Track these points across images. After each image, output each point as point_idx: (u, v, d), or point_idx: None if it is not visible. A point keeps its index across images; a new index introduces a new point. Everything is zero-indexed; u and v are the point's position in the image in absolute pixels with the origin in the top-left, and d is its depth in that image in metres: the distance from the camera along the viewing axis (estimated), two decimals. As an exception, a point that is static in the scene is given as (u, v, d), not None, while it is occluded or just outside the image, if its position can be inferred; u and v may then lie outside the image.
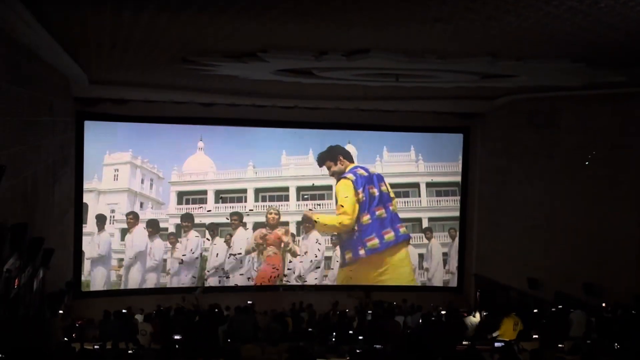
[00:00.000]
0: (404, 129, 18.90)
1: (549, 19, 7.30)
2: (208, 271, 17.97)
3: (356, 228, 17.30)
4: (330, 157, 17.54)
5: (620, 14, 6.93)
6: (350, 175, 17.46)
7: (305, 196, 18.17)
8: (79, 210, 16.69)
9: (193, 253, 17.88)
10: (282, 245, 18.28)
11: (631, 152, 13.21)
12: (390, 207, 17.52)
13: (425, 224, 18.87)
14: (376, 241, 17.18)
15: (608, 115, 13.77)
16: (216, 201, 18.03)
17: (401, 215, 18.35)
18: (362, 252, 17.28)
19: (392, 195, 17.99)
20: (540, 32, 8.10)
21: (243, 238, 18.22)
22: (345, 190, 17.26)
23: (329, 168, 17.67)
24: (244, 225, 18.14)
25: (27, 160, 10.29)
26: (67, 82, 13.85)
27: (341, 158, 17.54)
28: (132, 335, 11.76)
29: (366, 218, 17.25)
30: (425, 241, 18.90)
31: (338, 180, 17.69)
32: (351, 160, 17.76)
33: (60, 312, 12.23)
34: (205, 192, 18.08)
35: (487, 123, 18.35)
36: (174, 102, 16.52)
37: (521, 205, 16.57)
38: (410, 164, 18.67)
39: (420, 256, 18.92)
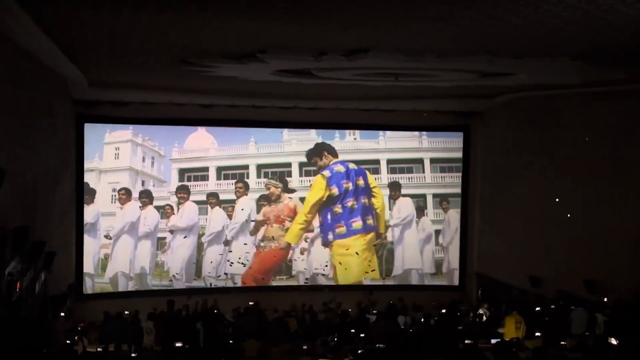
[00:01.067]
0: (404, 128, 18.92)
1: (548, 16, 7.30)
2: (206, 239, 17.93)
3: (329, 217, 18.48)
4: (316, 153, 18.44)
5: (619, 11, 6.93)
6: (326, 172, 18.41)
7: (308, 171, 18.53)
8: (80, 212, 16.67)
9: (190, 220, 17.78)
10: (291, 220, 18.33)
11: (632, 149, 13.18)
12: (363, 200, 18.50)
13: (429, 200, 19.09)
14: (343, 228, 18.43)
15: (608, 113, 13.74)
16: (218, 178, 18.06)
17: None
18: (330, 236, 18.45)
19: (373, 185, 18.64)
20: (540, 30, 8.10)
21: (246, 207, 18.15)
22: (313, 187, 18.40)
23: (315, 163, 18.46)
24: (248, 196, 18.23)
25: (27, 163, 10.31)
26: (66, 85, 13.86)
27: (325, 153, 18.45)
28: (136, 338, 11.76)
29: (338, 208, 18.37)
30: (434, 217, 19.18)
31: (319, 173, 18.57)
32: (335, 156, 18.50)
33: (62, 314, 12.24)
34: (207, 169, 18.10)
35: (487, 121, 18.34)
36: (174, 104, 16.51)
37: (522, 204, 16.55)
38: (414, 139, 19.08)
39: (437, 232, 19.17)
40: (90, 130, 16.76)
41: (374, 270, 18.72)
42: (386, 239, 18.86)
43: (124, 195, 17.28)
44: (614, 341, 9.46)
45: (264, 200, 18.30)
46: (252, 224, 18.16)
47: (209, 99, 16.43)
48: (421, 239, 19.06)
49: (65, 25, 8.56)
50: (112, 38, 9.28)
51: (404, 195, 18.89)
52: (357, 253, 18.46)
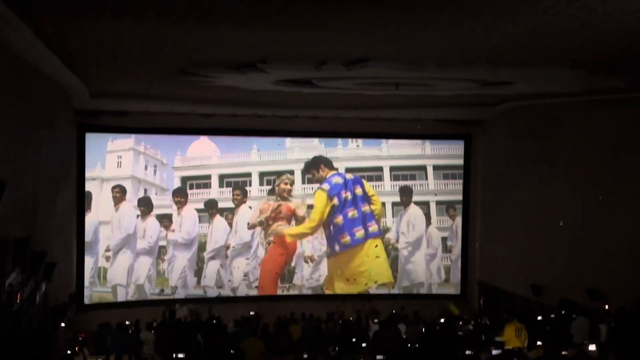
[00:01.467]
0: (405, 136, 18.93)
1: (547, 26, 7.32)
2: (207, 254, 17.90)
3: (331, 228, 18.59)
4: (313, 166, 18.60)
5: (617, 20, 6.95)
6: (325, 186, 18.52)
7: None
8: (81, 221, 16.67)
9: (189, 232, 17.71)
10: (296, 221, 18.33)
11: (631, 156, 13.19)
12: (363, 208, 18.60)
13: (433, 207, 19.08)
14: (348, 238, 18.52)
15: (608, 121, 13.76)
16: (220, 185, 18.06)
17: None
18: (337, 247, 18.56)
19: (370, 193, 18.71)
20: (539, 40, 8.12)
21: (247, 218, 18.08)
22: (317, 201, 18.50)
23: (313, 175, 18.62)
24: (247, 205, 18.17)
25: (28, 174, 10.32)
26: (67, 95, 13.89)
27: (322, 166, 18.61)
28: (135, 348, 11.72)
29: (339, 219, 18.47)
30: (438, 224, 19.20)
31: (318, 187, 18.67)
32: (332, 168, 18.64)
33: (63, 325, 12.21)
34: (209, 177, 18.07)
35: (487, 130, 18.36)
36: (175, 113, 16.54)
37: (523, 212, 16.53)
38: (417, 146, 19.14)
39: (444, 240, 19.19)
40: (93, 139, 16.77)
41: (387, 276, 18.81)
42: (390, 242, 18.94)
43: (119, 193, 17.19)
44: (592, 347, 9.42)
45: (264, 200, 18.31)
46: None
47: (210, 108, 16.45)
48: (429, 254, 19.10)
49: (66, 36, 8.60)
50: (113, 49, 9.32)
51: (415, 203, 18.94)
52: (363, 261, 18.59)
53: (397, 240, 18.90)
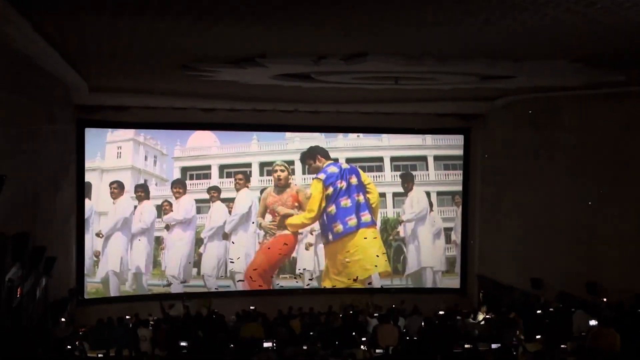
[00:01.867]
0: (405, 131, 18.93)
1: (546, 21, 7.31)
2: (206, 234, 17.94)
3: (325, 217, 18.64)
4: (310, 156, 18.66)
5: (616, 14, 6.94)
6: (321, 175, 18.60)
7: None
8: (81, 216, 16.68)
9: (187, 213, 17.73)
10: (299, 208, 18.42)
11: (632, 151, 13.19)
12: (357, 198, 18.64)
13: (433, 198, 19.13)
14: (340, 227, 18.56)
15: (608, 115, 13.76)
16: (220, 176, 18.11)
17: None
18: (330, 236, 18.62)
19: (367, 182, 18.75)
20: (538, 34, 8.11)
21: (247, 199, 18.16)
22: (313, 191, 18.56)
23: (309, 165, 18.68)
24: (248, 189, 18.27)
25: (28, 169, 10.33)
26: (67, 90, 13.89)
27: (319, 157, 18.70)
28: (135, 343, 11.77)
29: (332, 208, 18.54)
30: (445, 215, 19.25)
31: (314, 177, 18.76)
32: (328, 158, 18.70)
33: (63, 319, 12.25)
34: (209, 167, 18.12)
35: (487, 124, 18.34)
36: (175, 108, 16.53)
37: (523, 206, 16.55)
38: (417, 137, 19.17)
39: (447, 231, 19.20)
40: (93, 130, 16.76)
41: (380, 265, 18.78)
42: (398, 235, 18.99)
43: (117, 189, 17.21)
44: (593, 322, 9.45)
45: (269, 191, 18.32)
46: (254, 223, 18.17)
47: (209, 103, 16.45)
48: (433, 234, 19.13)
49: (65, 31, 8.58)
50: (113, 44, 9.30)
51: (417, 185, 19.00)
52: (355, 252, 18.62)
53: (400, 223, 18.86)
